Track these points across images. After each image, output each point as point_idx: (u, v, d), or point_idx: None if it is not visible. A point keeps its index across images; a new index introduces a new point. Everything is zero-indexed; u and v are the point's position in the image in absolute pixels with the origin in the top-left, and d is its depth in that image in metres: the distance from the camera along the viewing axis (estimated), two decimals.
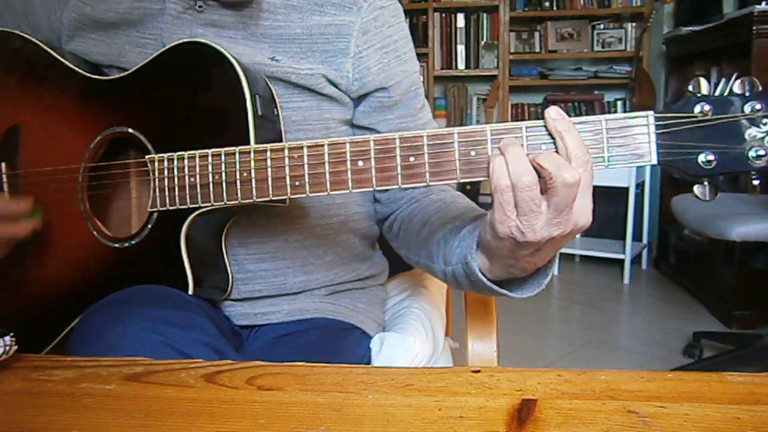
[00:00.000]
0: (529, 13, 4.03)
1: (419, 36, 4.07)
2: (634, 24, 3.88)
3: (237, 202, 0.69)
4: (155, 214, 0.75)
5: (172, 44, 0.75)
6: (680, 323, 2.62)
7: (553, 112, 0.58)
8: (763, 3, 2.46)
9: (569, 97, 4.01)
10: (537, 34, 4.03)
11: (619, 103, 3.97)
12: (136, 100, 0.78)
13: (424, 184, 0.62)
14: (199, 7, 0.79)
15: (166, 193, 0.73)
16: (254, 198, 0.68)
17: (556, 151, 0.58)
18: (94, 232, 0.79)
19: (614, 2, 3.89)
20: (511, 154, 0.57)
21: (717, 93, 0.57)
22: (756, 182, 0.56)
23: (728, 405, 0.48)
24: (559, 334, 2.68)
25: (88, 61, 0.85)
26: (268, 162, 0.67)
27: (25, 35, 0.85)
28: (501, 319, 1.00)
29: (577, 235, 0.64)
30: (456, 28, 4.08)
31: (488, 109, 3.85)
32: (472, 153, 0.60)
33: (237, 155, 0.68)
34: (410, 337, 0.90)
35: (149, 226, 0.75)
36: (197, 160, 0.70)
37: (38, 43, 0.84)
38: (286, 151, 0.66)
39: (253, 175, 0.68)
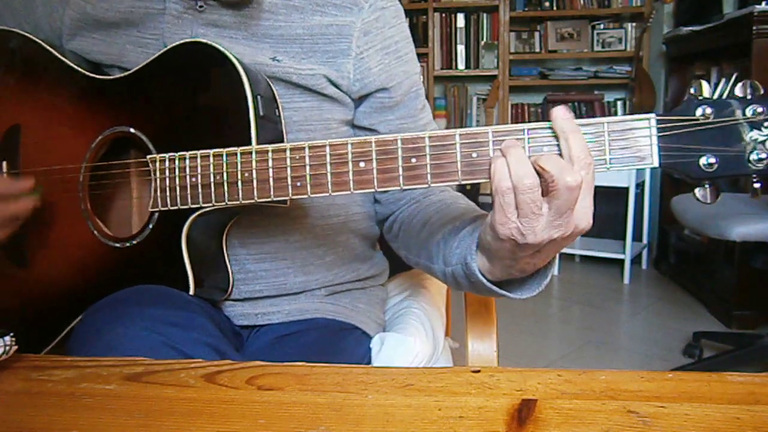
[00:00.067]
0: (529, 13, 4.03)
1: (419, 36, 4.06)
2: (634, 24, 3.88)
3: (238, 202, 0.69)
4: (156, 214, 0.75)
5: (174, 44, 0.75)
6: (680, 323, 2.62)
7: (561, 112, 0.57)
8: (763, 3, 2.46)
9: (569, 97, 4.01)
10: (537, 34, 4.03)
11: (619, 103, 3.97)
12: (137, 99, 0.78)
13: (426, 185, 0.62)
14: (200, 7, 0.79)
15: (168, 193, 0.73)
16: (255, 198, 0.68)
17: (559, 152, 0.58)
18: (95, 232, 0.79)
19: (614, 2, 3.89)
20: (512, 156, 0.57)
21: (717, 94, 0.57)
22: (757, 185, 0.56)
23: (728, 405, 0.48)
24: (559, 334, 2.68)
25: (89, 61, 0.85)
26: (270, 162, 0.67)
27: (26, 34, 0.85)
28: (501, 319, 1.00)
29: (578, 236, 0.63)
30: (456, 28, 4.07)
31: (488, 109, 3.84)
32: (474, 155, 0.60)
33: (238, 155, 0.68)
34: (410, 337, 0.90)
35: (150, 226, 0.75)
36: (199, 160, 0.70)
37: (39, 42, 0.84)
38: (288, 152, 0.66)
39: (254, 175, 0.68)
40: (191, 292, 0.74)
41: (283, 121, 0.76)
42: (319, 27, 0.81)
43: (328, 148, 0.64)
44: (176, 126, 0.75)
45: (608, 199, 3.39)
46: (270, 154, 0.67)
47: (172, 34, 0.79)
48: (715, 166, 0.57)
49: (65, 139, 0.82)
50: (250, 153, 0.68)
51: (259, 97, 0.71)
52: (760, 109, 0.55)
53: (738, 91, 0.56)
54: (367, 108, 0.86)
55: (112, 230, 0.80)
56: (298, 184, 0.66)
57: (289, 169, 0.66)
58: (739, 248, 2.45)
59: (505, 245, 0.60)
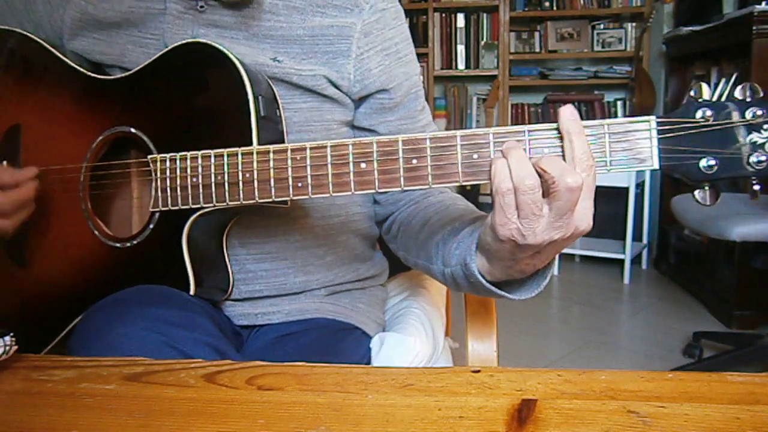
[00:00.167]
0: (529, 13, 4.03)
1: (419, 36, 4.06)
2: (634, 24, 3.88)
3: (239, 202, 0.69)
4: (157, 214, 0.75)
5: (175, 44, 0.75)
6: (680, 323, 2.62)
7: (568, 112, 0.57)
8: (763, 3, 2.46)
9: (569, 97, 4.01)
10: (537, 34, 4.03)
11: (619, 103, 3.97)
12: (138, 100, 0.78)
13: (427, 186, 0.62)
14: (201, 7, 0.79)
15: (168, 193, 0.73)
16: (256, 199, 0.68)
17: (560, 153, 0.58)
18: (96, 232, 0.79)
19: (614, 2, 3.89)
20: (513, 158, 0.57)
21: (717, 95, 0.57)
22: (756, 187, 0.57)
23: (728, 405, 0.48)
24: (559, 334, 2.68)
25: (90, 61, 0.85)
26: (271, 163, 0.67)
27: (27, 34, 0.86)
28: (501, 319, 1.00)
29: (578, 238, 0.64)
30: (456, 28, 4.07)
31: (488, 109, 3.84)
32: (475, 156, 0.60)
33: (239, 156, 0.68)
34: (410, 337, 0.90)
35: (151, 226, 0.75)
36: (200, 160, 0.71)
37: (40, 41, 0.85)
38: (289, 152, 0.66)
39: (255, 176, 0.68)
40: (192, 292, 0.74)
41: (284, 121, 0.76)
42: (320, 28, 0.81)
43: (329, 149, 0.64)
44: (177, 126, 0.75)
45: (608, 199, 3.39)
46: (271, 154, 0.67)
47: (172, 34, 0.79)
48: (715, 168, 0.57)
49: (66, 139, 0.82)
50: (252, 153, 0.68)
51: (260, 97, 0.71)
52: (759, 112, 0.56)
53: (738, 93, 0.57)
54: (367, 109, 0.86)
55: (112, 230, 0.80)
56: (299, 184, 0.66)
57: (290, 169, 0.66)
58: (739, 248, 2.45)
59: (505, 246, 0.60)
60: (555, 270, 3.35)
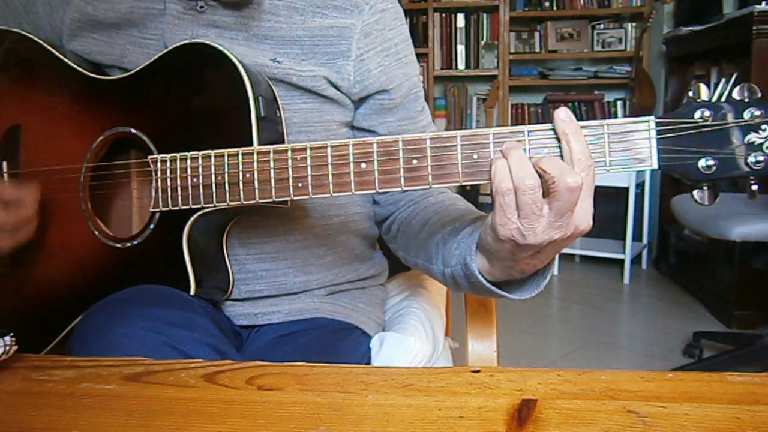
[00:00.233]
0: (529, 13, 4.03)
1: (419, 36, 4.07)
2: (634, 24, 3.88)
3: (240, 202, 0.69)
4: (157, 215, 0.75)
5: (176, 45, 0.75)
6: (680, 323, 2.62)
7: (563, 114, 0.58)
8: (763, 3, 2.46)
9: (569, 97, 4.01)
10: (537, 34, 4.03)
11: (619, 103, 3.97)
12: (138, 100, 0.78)
13: (427, 186, 0.62)
14: (200, 7, 0.79)
15: (169, 194, 0.73)
16: (257, 199, 0.68)
17: (560, 153, 0.58)
18: (96, 232, 0.79)
19: (614, 2, 3.89)
20: (514, 158, 0.57)
21: (717, 95, 0.57)
22: (755, 187, 0.57)
23: (728, 405, 0.48)
24: (559, 334, 2.68)
25: (90, 61, 0.85)
26: (271, 163, 0.67)
27: (27, 34, 0.86)
28: (501, 319, 1.00)
29: (578, 237, 0.64)
30: (456, 28, 4.07)
31: (488, 109, 3.84)
32: (475, 156, 0.60)
33: (240, 156, 0.68)
34: (410, 337, 0.90)
35: (151, 226, 0.75)
36: (200, 160, 0.71)
37: (40, 42, 0.85)
38: (290, 153, 0.66)
39: (255, 176, 0.68)
40: (192, 292, 0.75)
41: (284, 122, 0.76)
42: (320, 29, 0.81)
43: (329, 149, 0.64)
44: (177, 126, 0.75)
45: (608, 199, 3.39)
46: (272, 154, 0.67)
47: (172, 34, 0.79)
48: (714, 168, 0.57)
49: (66, 139, 0.82)
50: (252, 154, 0.68)
51: (260, 98, 0.71)
52: (757, 112, 0.56)
53: (736, 94, 0.57)
54: (366, 110, 0.86)
55: (112, 230, 0.80)
56: (300, 184, 0.66)
57: (290, 169, 0.66)
58: (739, 248, 2.45)
59: (506, 246, 0.60)
60: (555, 270, 3.35)
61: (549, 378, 0.54)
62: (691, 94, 0.58)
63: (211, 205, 0.71)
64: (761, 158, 0.56)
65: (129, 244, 0.77)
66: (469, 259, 0.66)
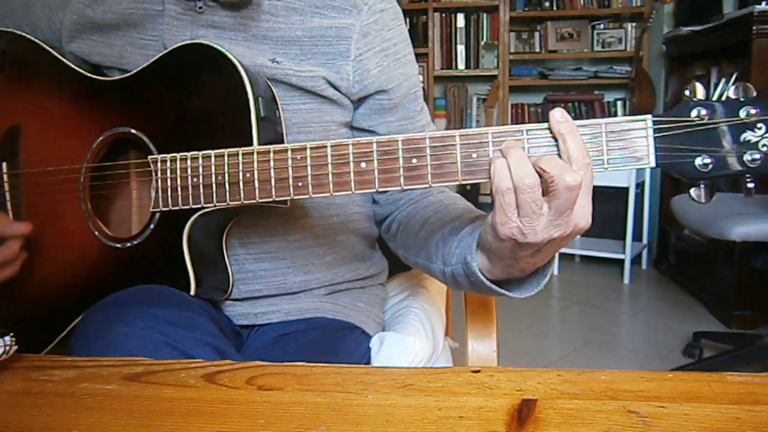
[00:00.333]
0: (529, 13, 4.03)
1: (419, 36, 4.07)
2: (634, 24, 3.88)
3: (240, 202, 0.69)
4: (157, 215, 0.75)
5: (175, 46, 0.75)
6: (680, 323, 2.62)
7: (558, 114, 0.58)
8: (763, 3, 2.46)
9: (569, 97, 4.01)
10: (537, 34, 4.03)
11: (619, 103, 3.97)
12: (138, 100, 0.78)
13: (426, 185, 0.62)
14: (199, 8, 0.79)
15: (169, 194, 0.73)
16: (257, 198, 0.68)
17: (558, 153, 0.58)
18: (96, 232, 0.79)
19: (614, 2, 3.89)
20: (513, 157, 0.57)
21: (717, 94, 0.58)
22: (751, 185, 0.58)
23: (728, 405, 0.48)
24: (559, 334, 2.68)
25: (89, 62, 0.85)
26: (272, 163, 0.67)
27: (26, 35, 0.86)
28: (501, 319, 1.00)
29: (577, 235, 0.64)
30: (456, 28, 4.07)
31: (488, 109, 3.85)
32: (474, 155, 0.61)
33: (240, 156, 0.69)
34: (410, 336, 0.90)
35: (151, 226, 0.75)
36: (200, 160, 0.71)
37: (39, 43, 0.85)
38: (290, 152, 0.66)
39: (256, 176, 0.68)
40: (192, 292, 0.75)
41: (283, 122, 0.76)
42: (319, 29, 0.81)
43: (329, 149, 0.64)
44: (177, 127, 0.75)
45: (608, 199, 3.39)
46: (272, 154, 0.67)
47: (171, 35, 0.79)
48: (710, 166, 0.58)
49: (66, 140, 0.82)
50: (252, 153, 0.68)
51: (260, 98, 0.71)
52: (753, 111, 0.56)
53: (731, 93, 0.57)
54: (366, 110, 0.86)
55: (112, 231, 0.80)
56: (300, 184, 0.66)
57: (290, 169, 0.66)
58: (739, 248, 2.45)
59: (506, 245, 0.60)
60: (555, 270, 3.36)
61: (549, 378, 0.54)
62: (687, 93, 0.58)
63: (211, 204, 0.71)
64: (757, 156, 0.56)
65: (129, 244, 0.77)
66: (469, 258, 0.66)
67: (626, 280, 3.20)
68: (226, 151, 0.69)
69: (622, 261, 3.23)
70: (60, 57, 0.83)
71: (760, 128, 0.56)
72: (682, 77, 3.26)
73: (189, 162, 0.71)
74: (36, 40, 0.85)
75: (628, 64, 3.82)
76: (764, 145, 0.56)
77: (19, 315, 0.84)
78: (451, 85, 4.20)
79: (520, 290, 0.68)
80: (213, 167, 0.70)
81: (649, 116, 0.58)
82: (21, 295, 0.84)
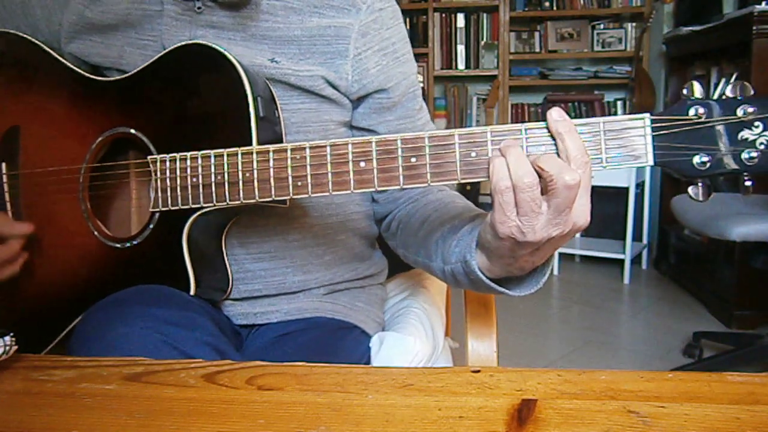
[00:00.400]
0: (529, 13, 4.03)
1: (419, 36, 4.07)
2: (634, 24, 3.88)
3: (239, 202, 0.69)
4: (157, 215, 0.75)
5: (174, 46, 0.75)
6: (680, 323, 2.62)
7: (555, 114, 0.58)
8: (763, 3, 2.46)
9: (569, 97, 4.01)
10: (537, 34, 4.03)
11: (619, 103, 3.97)
12: (138, 101, 0.78)
13: (426, 184, 0.62)
14: (198, 8, 0.79)
15: (168, 194, 0.73)
16: (257, 198, 0.68)
17: (557, 152, 0.58)
18: (96, 233, 0.79)
19: (614, 2, 3.89)
20: (512, 156, 0.57)
21: (717, 94, 0.58)
22: (748, 183, 0.58)
23: (728, 405, 0.48)
24: (559, 334, 2.68)
25: (88, 63, 0.85)
26: (271, 163, 0.67)
27: (26, 36, 0.86)
28: (501, 319, 1.00)
29: (577, 235, 0.65)
30: (456, 28, 4.08)
31: (488, 109, 3.85)
32: (473, 154, 0.61)
33: (239, 156, 0.69)
34: (410, 336, 0.90)
35: (151, 226, 0.75)
36: (200, 160, 0.71)
37: (38, 43, 0.85)
38: (289, 152, 0.66)
39: (255, 175, 0.68)
40: (192, 292, 0.75)
41: (282, 122, 0.76)
42: (317, 28, 0.81)
43: (328, 148, 0.64)
44: (176, 127, 0.75)
45: (608, 199, 3.39)
46: (271, 154, 0.67)
47: (170, 35, 0.79)
48: (708, 164, 0.58)
49: (65, 140, 0.82)
50: (251, 153, 0.68)
51: (259, 98, 0.71)
52: (750, 109, 0.57)
53: (729, 91, 0.58)
54: (365, 109, 0.86)
55: (112, 231, 0.80)
56: (299, 183, 0.66)
57: (290, 169, 0.66)
58: (739, 248, 2.45)
59: (505, 244, 0.60)
60: (555, 270, 3.36)
61: (549, 378, 0.54)
62: (685, 91, 0.58)
63: (211, 204, 0.71)
64: (754, 154, 0.57)
65: (129, 245, 0.77)
66: (469, 257, 0.67)
67: (626, 280, 3.20)
68: (225, 151, 0.69)
69: (622, 261, 3.22)
70: (59, 58, 0.83)
71: (757, 126, 0.57)
72: (682, 77, 3.26)
73: (188, 162, 0.71)
74: (35, 41, 0.85)
75: (628, 64, 3.82)
76: (761, 143, 0.56)
77: (19, 315, 0.84)
78: (451, 85, 4.20)
79: (519, 288, 0.68)
80: (212, 167, 0.70)
81: (647, 115, 0.58)
82: (21, 295, 0.84)
